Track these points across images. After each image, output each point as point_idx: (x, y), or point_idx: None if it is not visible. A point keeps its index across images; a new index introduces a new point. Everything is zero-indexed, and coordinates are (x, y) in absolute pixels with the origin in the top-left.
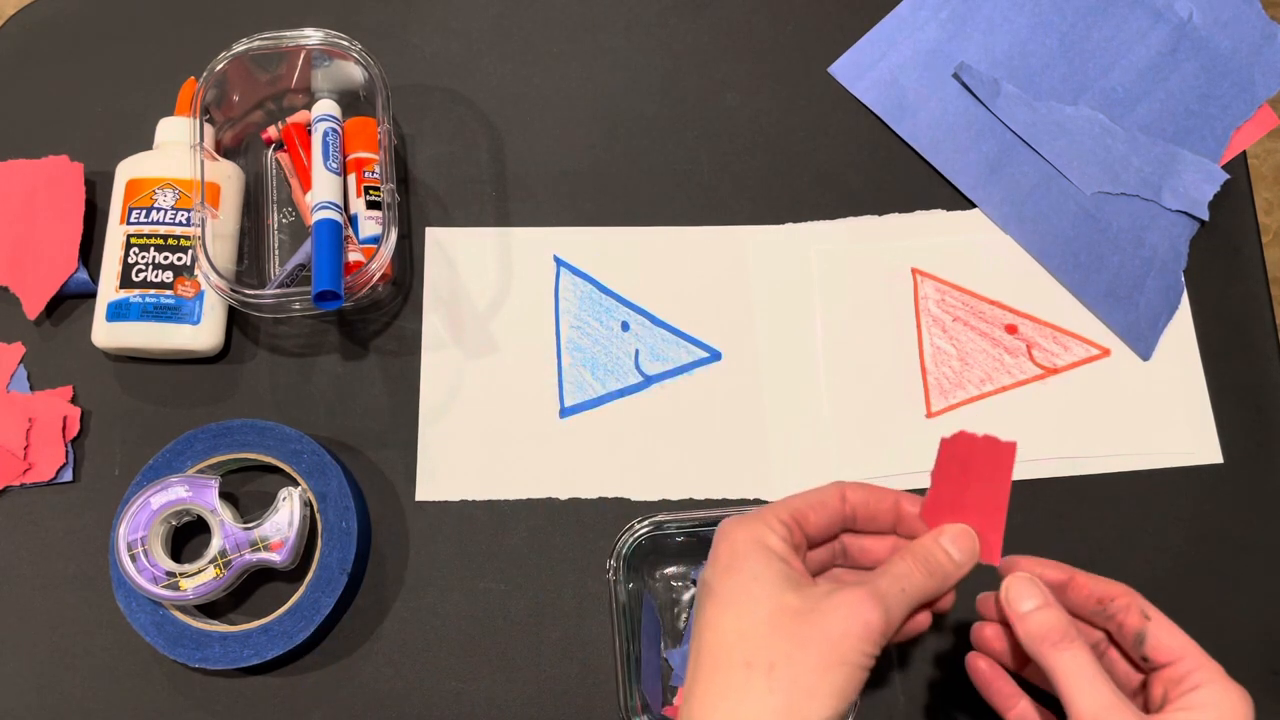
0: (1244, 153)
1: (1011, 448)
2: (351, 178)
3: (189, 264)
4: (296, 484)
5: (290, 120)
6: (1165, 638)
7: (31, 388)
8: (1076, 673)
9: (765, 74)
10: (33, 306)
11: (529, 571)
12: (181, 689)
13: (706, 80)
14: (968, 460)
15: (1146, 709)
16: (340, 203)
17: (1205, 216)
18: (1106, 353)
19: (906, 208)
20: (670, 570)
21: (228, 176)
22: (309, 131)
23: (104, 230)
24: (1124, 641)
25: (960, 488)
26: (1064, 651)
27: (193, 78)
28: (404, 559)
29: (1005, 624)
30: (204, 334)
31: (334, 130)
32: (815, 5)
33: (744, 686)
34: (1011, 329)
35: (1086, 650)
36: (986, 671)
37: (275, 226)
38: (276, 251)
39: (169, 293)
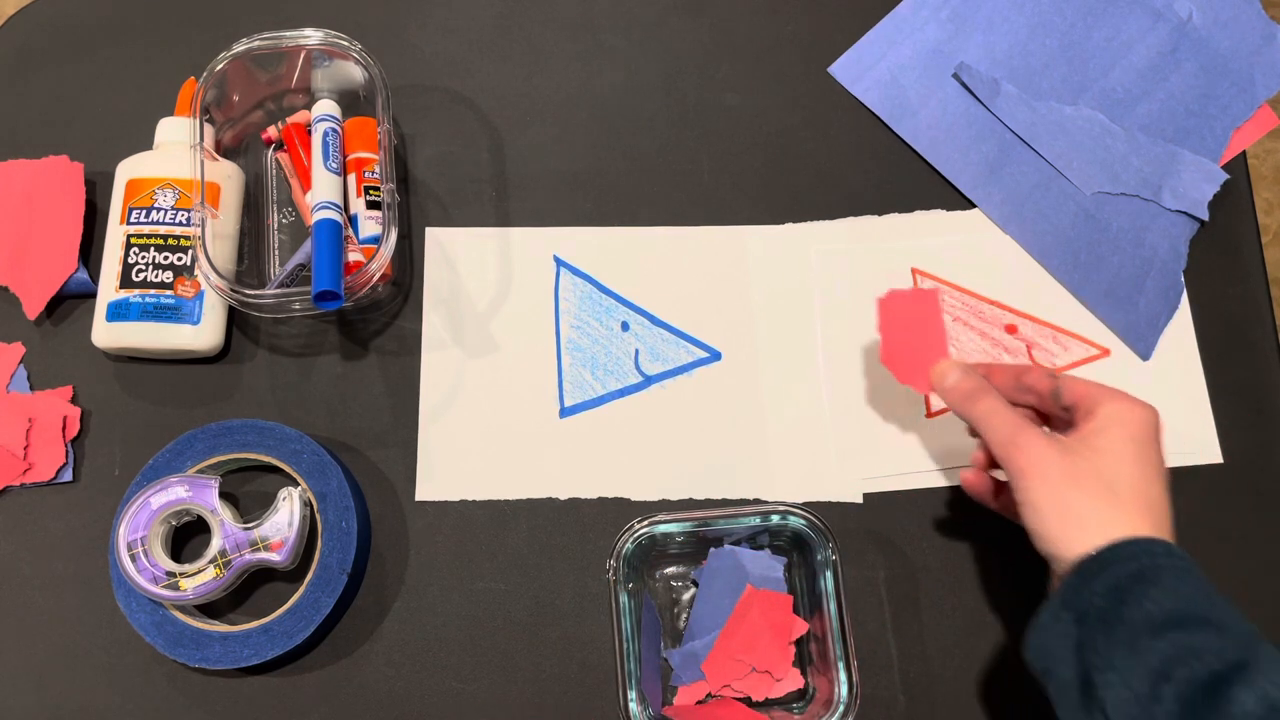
0: (1244, 153)
1: (934, 294)
2: (351, 178)
3: (189, 264)
4: (296, 484)
5: (290, 120)
6: (1075, 385)
7: (31, 388)
8: (990, 413)
9: (765, 74)
10: (33, 306)
11: (529, 571)
12: (181, 689)
13: (706, 80)
14: (906, 312)
15: None
16: (340, 203)
17: (1205, 216)
18: (1106, 353)
19: (906, 208)
20: (670, 570)
21: (228, 176)
22: (309, 131)
23: (104, 230)
24: (1045, 405)
25: (906, 334)
26: (979, 402)
27: (193, 78)
28: (404, 559)
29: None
30: (204, 334)
31: (334, 130)
32: (815, 5)
33: None
34: (1011, 329)
35: (998, 399)
36: (974, 481)
37: (275, 226)
38: (276, 251)
39: (169, 293)
